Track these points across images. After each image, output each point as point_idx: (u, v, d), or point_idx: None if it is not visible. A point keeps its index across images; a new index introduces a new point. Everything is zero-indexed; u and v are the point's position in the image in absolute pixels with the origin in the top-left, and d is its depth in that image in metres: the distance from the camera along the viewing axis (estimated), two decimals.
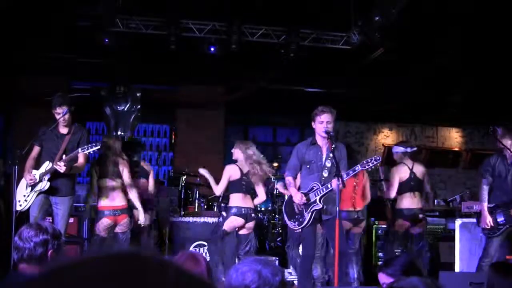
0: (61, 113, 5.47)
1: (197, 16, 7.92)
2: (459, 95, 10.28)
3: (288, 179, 5.41)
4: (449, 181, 12.63)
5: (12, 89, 9.85)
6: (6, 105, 10.12)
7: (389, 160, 10.32)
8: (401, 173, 6.78)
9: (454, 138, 12.96)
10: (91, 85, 10.30)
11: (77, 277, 0.61)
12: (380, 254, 7.77)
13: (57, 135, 5.63)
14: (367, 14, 7.27)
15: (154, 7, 7.73)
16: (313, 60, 8.86)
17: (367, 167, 4.98)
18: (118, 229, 6.15)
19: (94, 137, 10.44)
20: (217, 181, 6.30)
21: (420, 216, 6.75)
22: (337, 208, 4.73)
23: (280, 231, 8.39)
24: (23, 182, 5.52)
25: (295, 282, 5.91)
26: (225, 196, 7.07)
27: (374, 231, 7.91)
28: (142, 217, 6.14)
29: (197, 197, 8.24)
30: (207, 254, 6.80)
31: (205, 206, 8.19)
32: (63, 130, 5.64)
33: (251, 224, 6.27)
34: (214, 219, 7.30)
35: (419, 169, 6.85)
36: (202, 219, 7.40)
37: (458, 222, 6.79)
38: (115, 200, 6.09)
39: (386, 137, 12.60)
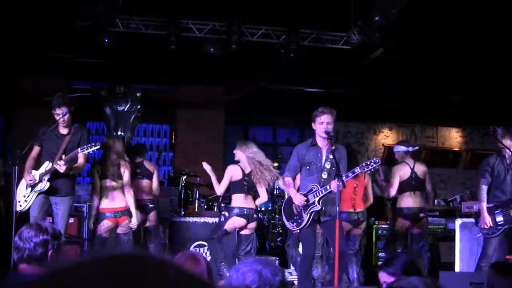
0: (60, 113, 5.47)
1: (197, 16, 7.91)
2: (459, 95, 10.28)
3: (288, 179, 5.41)
4: (449, 181, 12.63)
5: (12, 89, 9.86)
6: (6, 105, 10.12)
7: (389, 160, 10.33)
8: (402, 172, 6.78)
9: (454, 138, 12.97)
10: (91, 85, 10.30)
11: (77, 277, 0.61)
12: (380, 254, 7.77)
13: (57, 135, 5.62)
14: (367, 14, 7.27)
15: (154, 7, 7.73)
16: (313, 60, 8.86)
17: (366, 169, 4.98)
18: (119, 230, 6.16)
19: (94, 137, 10.45)
20: (219, 180, 6.30)
21: (421, 215, 6.75)
22: (337, 208, 4.73)
23: (280, 231, 8.39)
24: (23, 182, 5.53)
25: (295, 282, 5.91)
26: (225, 196, 7.08)
27: (374, 231, 7.91)
28: (134, 221, 6.13)
29: (197, 197, 8.25)
30: (207, 254, 6.81)
31: (205, 206, 8.19)
32: (63, 130, 5.64)
33: (253, 225, 6.27)
34: (214, 219, 7.30)
35: (420, 169, 6.85)
36: (202, 219, 7.40)
37: (458, 222, 6.79)
38: (116, 202, 6.09)
39: (386, 137, 12.60)
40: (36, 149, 5.63)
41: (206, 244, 7.06)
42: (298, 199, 5.20)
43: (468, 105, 10.65)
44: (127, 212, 6.11)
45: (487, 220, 5.78)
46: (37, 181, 5.45)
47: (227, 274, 2.40)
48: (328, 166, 5.22)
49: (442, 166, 12.36)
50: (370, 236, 7.86)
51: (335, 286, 4.78)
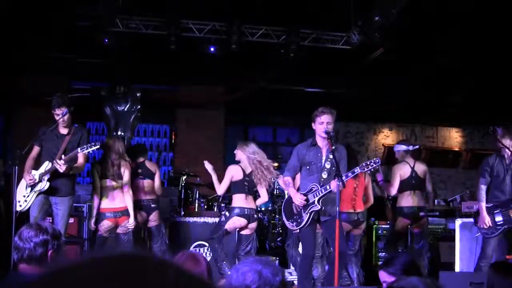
0: (60, 114, 5.47)
1: (197, 16, 7.91)
2: (459, 95, 10.28)
3: (287, 179, 5.41)
4: (449, 181, 12.63)
5: (12, 89, 9.85)
6: (6, 105, 10.12)
7: (389, 160, 10.33)
8: (403, 171, 6.78)
9: (454, 138, 12.97)
10: (91, 85, 10.30)
11: (77, 277, 0.61)
12: (380, 254, 7.77)
13: (57, 135, 5.62)
14: (367, 14, 7.27)
15: (154, 7, 7.73)
16: (313, 60, 8.86)
17: (366, 169, 4.97)
18: (119, 230, 6.17)
19: (94, 137, 10.44)
20: (219, 180, 6.30)
21: (421, 214, 6.74)
22: (337, 208, 4.73)
23: (280, 231, 8.39)
24: (23, 183, 5.53)
25: (295, 282, 5.91)
26: (225, 196, 7.07)
27: (374, 231, 7.91)
28: (132, 221, 6.13)
29: (197, 197, 8.25)
30: (207, 254, 6.80)
31: (205, 206, 8.19)
32: (63, 130, 5.64)
33: (253, 225, 6.28)
34: (214, 219, 7.30)
35: (420, 168, 6.86)
36: (202, 219, 7.40)
37: (458, 222, 6.79)
38: (116, 202, 6.09)
39: (386, 137, 12.61)
40: (36, 149, 5.63)
41: (206, 244, 7.06)
42: (298, 199, 5.21)
43: (468, 105, 10.65)
44: (127, 212, 6.11)
45: (486, 220, 5.78)
46: (37, 181, 5.45)
47: (229, 272, 2.40)
48: (328, 166, 5.22)
49: (442, 166, 12.36)
50: (370, 236, 7.86)
51: (335, 286, 4.78)
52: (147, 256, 0.65)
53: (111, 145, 6.17)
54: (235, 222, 6.18)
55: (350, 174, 5.02)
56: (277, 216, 8.40)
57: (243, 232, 6.28)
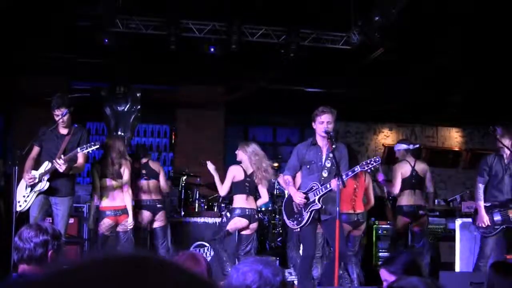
0: (60, 114, 5.47)
1: (197, 16, 7.91)
2: (459, 95, 10.28)
3: (287, 177, 5.42)
4: (449, 181, 12.63)
5: (12, 89, 9.85)
6: (6, 105, 10.12)
7: (389, 160, 10.33)
8: (403, 170, 6.79)
9: (454, 138, 12.97)
10: (91, 85, 10.30)
11: (78, 278, 0.61)
12: (380, 254, 7.77)
13: (57, 135, 5.62)
14: (367, 14, 7.27)
15: (154, 7, 7.73)
16: (313, 60, 8.86)
17: (366, 168, 4.97)
18: (119, 229, 6.18)
19: (94, 138, 10.43)
20: (221, 180, 6.29)
21: (421, 212, 6.75)
22: (337, 208, 4.73)
23: (281, 231, 8.39)
24: (23, 183, 5.52)
25: (295, 282, 5.91)
26: (226, 196, 7.07)
27: (374, 231, 7.91)
28: (130, 220, 6.14)
29: (197, 197, 8.24)
30: (207, 254, 6.81)
31: (205, 206, 8.19)
32: (63, 130, 5.64)
33: (254, 225, 6.28)
34: (214, 219, 7.29)
35: (420, 167, 6.86)
36: (202, 219, 7.40)
37: (458, 222, 6.80)
38: (116, 200, 6.11)
39: (386, 137, 12.61)
40: (36, 150, 5.63)
41: (206, 244, 7.07)
42: (298, 197, 5.21)
43: (468, 105, 10.65)
44: (127, 211, 6.12)
45: (485, 219, 5.79)
46: (36, 180, 5.45)
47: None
48: (328, 164, 5.22)
49: (442, 166, 12.36)
50: (370, 236, 7.85)
51: (335, 286, 4.78)
52: (147, 256, 0.65)
53: (112, 144, 6.18)
54: (236, 223, 6.18)
55: (350, 173, 5.01)
56: (278, 216, 8.40)
57: (244, 233, 6.28)
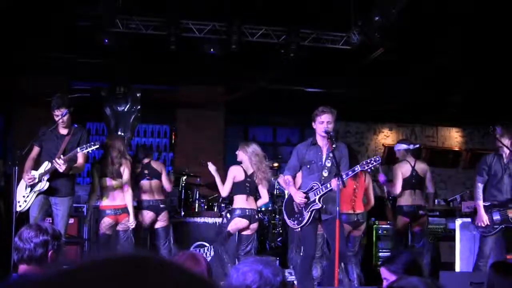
0: (60, 115, 5.47)
1: (197, 16, 7.92)
2: (459, 95, 10.28)
3: (287, 177, 5.42)
4: (449, 181, 12.63)
5: (12, 89, 9.85)
6: (6, 105, 10.12)
7: (389, 160, 10.33)
8: (404, 169, 6.79)
9: (454, 138, 12.97)
10: (91, 85, 10.30)
11: (78, 278, 0.61)
12: (380, 254, 7.77)
13: (57, 135, 5.63)
14: (367, 14, 7.27)
15: (154, 7, 7.73)
16: (313, 60, 8.86)
17: (366, 167, 4.96)
18: (119, 228, 6.18)
19: (94, 138, 10.43)
20: (222, 181, 6.29)
21: (420, 212, 6.75)
22: (337, 208, 4.73)
23: (281, 231, 8.38)
24: (22, 183, 5.52)
25: (295, 282, 5.91)
26: (226, 197, 7.06)
27: (374, 231, 7.91)
28: (132, 219, 6.14)
29: (197, 197, 8.24)
30: (207, 255, 6.80)
31: (205, 207, 8.19)
32: (63, 131, 5.64)
33: (255, 225, 6.28)
34: (214, 219, 7.29)
35: (420, 167, 6.86)
36: (202, 219, 7.40)
37: (458, 222, 6.80)
38: (116, 200, 6.11)
39: (386, 137, 12.61)
40: (35, 150, 5.63)
41: (206, 244, 7.06)
42: (298, 197, 5.21)
43: (468, 105, 10.65)
44: (127, 210, 6.13)
45: (484, 218, 5.79)
46: (36, 180, 5.45)
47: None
48: (328, 164, 5.22)
49: (442, 166, 12.36)
50: (370, 236, 7.85)
51: (335, 286, 4.78)
52: (147, 256, 0.65)
53: (112, 143, 6.18)
54: (237, 223, 6.18)
55: (350, 172, 5.01)
56: (278, 216, 8.40)
57: (244, 233, 6.28)
